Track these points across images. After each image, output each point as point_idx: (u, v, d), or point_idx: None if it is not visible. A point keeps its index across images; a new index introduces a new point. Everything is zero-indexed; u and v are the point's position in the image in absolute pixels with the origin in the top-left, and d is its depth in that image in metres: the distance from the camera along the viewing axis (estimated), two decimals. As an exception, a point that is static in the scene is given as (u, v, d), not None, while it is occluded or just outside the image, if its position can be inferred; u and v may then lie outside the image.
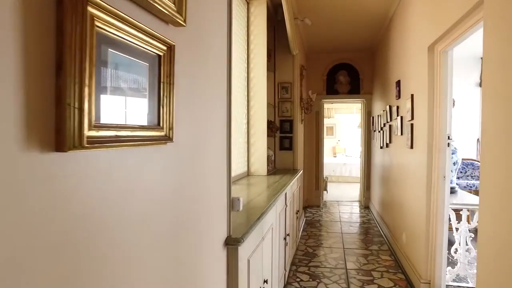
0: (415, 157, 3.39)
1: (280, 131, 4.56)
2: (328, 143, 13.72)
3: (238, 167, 3.50)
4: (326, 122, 13.86)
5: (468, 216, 3.35)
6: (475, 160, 6.98)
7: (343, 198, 7.78)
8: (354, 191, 8.51)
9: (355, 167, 9.69)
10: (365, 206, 6.83)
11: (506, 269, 1.61)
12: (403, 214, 3.85)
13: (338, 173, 10.25)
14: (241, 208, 1.59)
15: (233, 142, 3.24)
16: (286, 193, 3.04)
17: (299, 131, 4.94)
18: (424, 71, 3.08)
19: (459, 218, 3.47)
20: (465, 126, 7.28)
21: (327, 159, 11.51)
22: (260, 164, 3.79)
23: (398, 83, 4.08)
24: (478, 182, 6.70)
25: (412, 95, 3.42)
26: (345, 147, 13.42)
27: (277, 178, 3.51)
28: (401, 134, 3.88)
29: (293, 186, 3.75)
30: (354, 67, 6.64)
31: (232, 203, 1.55)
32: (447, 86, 2.88)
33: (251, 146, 3.81)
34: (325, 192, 8.22)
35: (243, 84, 3.71)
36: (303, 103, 5.08)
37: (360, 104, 7.02)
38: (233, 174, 3.46)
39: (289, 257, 3.47)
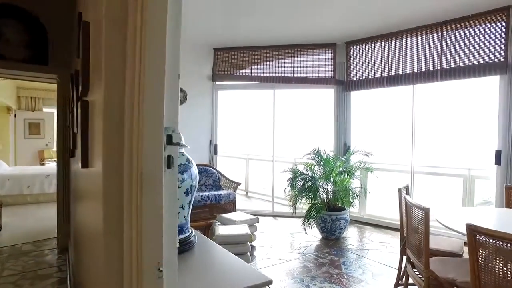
0: (91, 184, 1.31)
1: None
2: (32, 145, 9.91)
3: None
4: (30, 116, 9.99)
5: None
6: (208, 166, 5.91)
7: (32, 236, 4.84)
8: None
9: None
10: (63, 248, 4.27)
11: None
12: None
13: (38, 190, 6.99)
14: None
15: None
16: None
17: None
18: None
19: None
20: (197, 123, 6.15)
21: (25, 168, 7.91)
22: None
23: (80, 18, 1.88)
24: (214, 193, 5.64)
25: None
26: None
27: None
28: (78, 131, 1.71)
29: None
30: (37, 18, 3.93)
31: None
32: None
33: None
34: (-2, 228, 4.94)
35: None
36: None
37: (56, 84, 4.39)
38: None
39: None
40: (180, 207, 1.66)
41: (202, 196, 5.00)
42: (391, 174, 5.80)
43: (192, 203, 1.79)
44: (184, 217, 1.73)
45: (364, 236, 4.87)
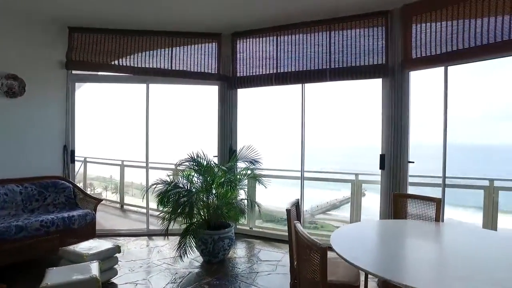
0: None
1: None
2: None
3: None
4: None
5: None
6: (59, 178, 4.55)
7: None
8: None
9: None
10: None
11: None
12: None
13: None
14: None
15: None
16: None
17: None
18: None
19: None
20: (45, 124, 4.71)
21: None
22: None
23: None
24: (63, 215, 4.23)
25: None
26: None
27: None
28: None
29: None
30: None
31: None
32: None
33: None
34: None
35: None
36: None
37: None
38: None
39: None
40: None
41: (42, 221, 3.69)
42: (281, 180, 5.39)
43: None
44: None
45: (252, 254, 4.27)
